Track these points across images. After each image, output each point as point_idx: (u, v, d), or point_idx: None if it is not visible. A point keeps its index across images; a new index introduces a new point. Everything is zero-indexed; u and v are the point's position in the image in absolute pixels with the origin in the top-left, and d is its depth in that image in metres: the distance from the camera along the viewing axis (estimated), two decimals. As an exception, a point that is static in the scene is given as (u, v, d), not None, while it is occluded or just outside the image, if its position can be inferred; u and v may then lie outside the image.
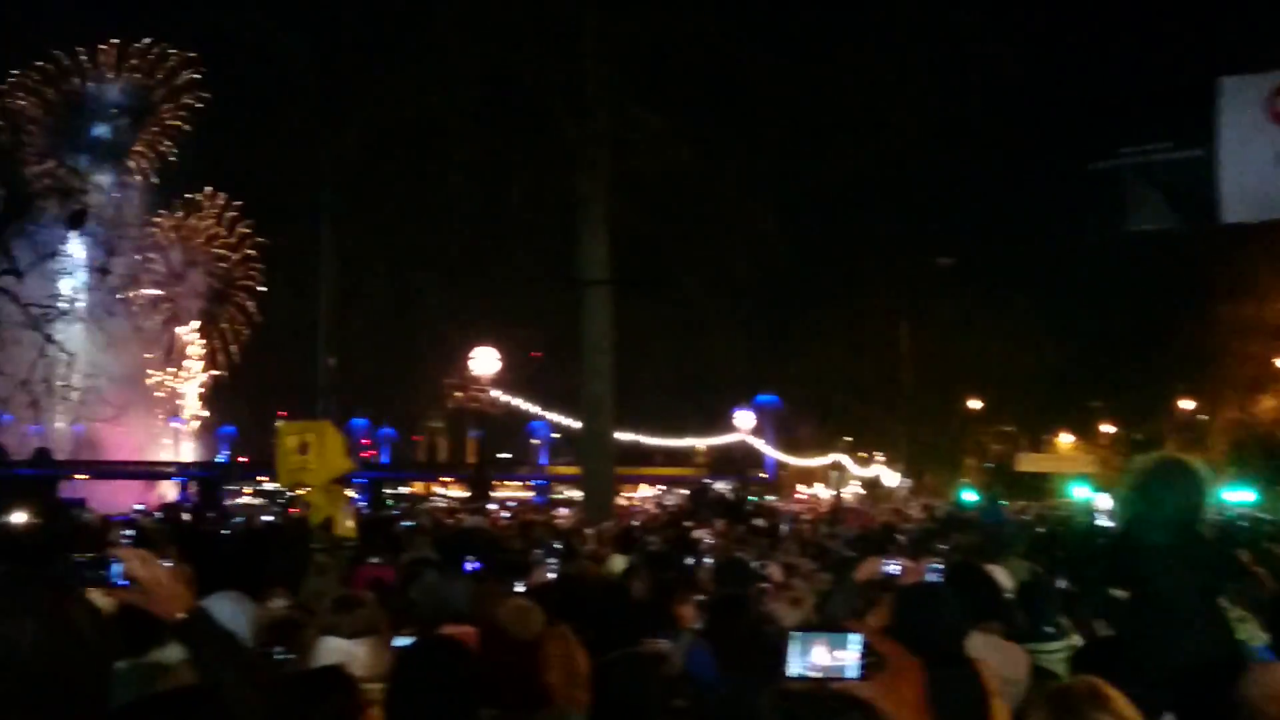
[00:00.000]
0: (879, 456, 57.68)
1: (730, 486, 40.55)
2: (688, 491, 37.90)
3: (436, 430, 75.83)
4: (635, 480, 57.36)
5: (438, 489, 60.38)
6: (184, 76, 52.60)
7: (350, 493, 16.86)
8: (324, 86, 19.73)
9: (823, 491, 53.43)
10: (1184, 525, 4.94)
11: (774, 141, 20.78)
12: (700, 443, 60.13)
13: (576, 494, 43.12)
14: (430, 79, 19.07)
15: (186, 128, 51.98)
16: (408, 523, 17.44)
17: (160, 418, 57.22)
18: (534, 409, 55.83)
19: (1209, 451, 39.30)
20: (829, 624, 2.48)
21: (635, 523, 21.72)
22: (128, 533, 12.54)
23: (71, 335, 20.92)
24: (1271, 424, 42.29)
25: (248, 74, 24.70)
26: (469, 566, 7.10)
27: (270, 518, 20.30)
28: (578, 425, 28.90)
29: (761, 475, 59.37)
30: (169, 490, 49.50)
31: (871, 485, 56.49)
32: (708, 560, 9.87)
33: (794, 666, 2.06)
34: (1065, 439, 54.14)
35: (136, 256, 42.83)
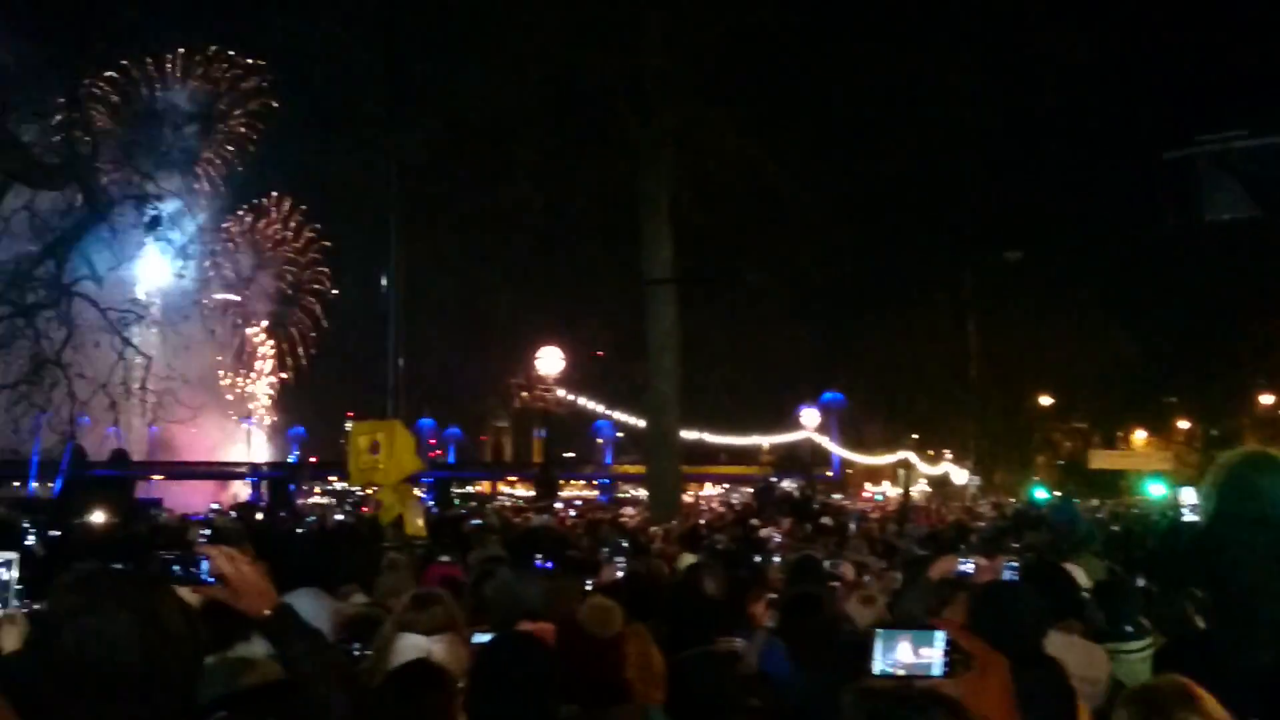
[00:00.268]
0: (947, 454, 56.97)
1: (796, 485, 40.33)
2: (753, 490, 37.76)
3: (502, 430, 76.41)
4: (700, 479, 57.30)
5: (503, 488, 60.82)
6: (250, 83, 53.58)
7: (418, 492, 17.03)
8: (391, 90, 19.92)
9: (890, 490, 52.95)
10: (1272, 521, 4.81)
11: (839, 136, 20.64)
12: (765, 441, 59.85)
13: (641, 493, 43.28)
14: (496, 80, 19.19)
15: (253, 136, 52.88)
16: (476, 522, 17.60)
17: (232, 419, 58.26)
18: (599, 408, 55.99)
19: (1290, 447, 38.20)
20: (912, 621, 2.45)
21: (701, 521, 21.71)
22: (204, 532, 12.78)
23: (147, 339, 21.37)
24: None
25: (314, 79, 25.02)
26: (538, 565, 7.13)
27: (342, 517, 20.60)
28: (642, 424, 28.95)
29: (827, 474, 58.98)
30: (241, 490, 50.42)
31: (940, 483, 55.81)
32: (776, 559, 9.82)
33: (878, 664, 2.04)
34: (1139, 435, 53.05)
35: (207, 261, 43.68)
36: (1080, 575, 6.34)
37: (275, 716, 2.50)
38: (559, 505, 29.07)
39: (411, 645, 3.51)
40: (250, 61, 51.48)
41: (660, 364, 20.98)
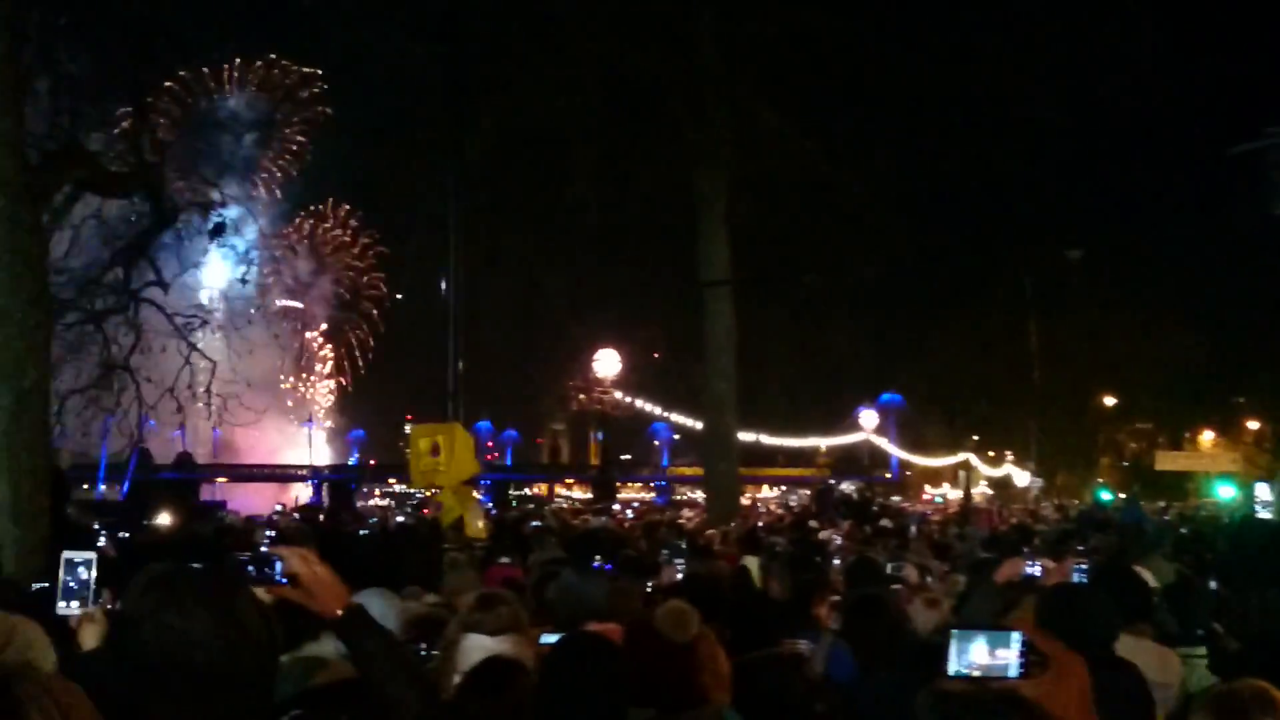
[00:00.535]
0: (1009, 456, 56.25)
1: (855, 487, 40.06)
2: (811, 492, 37.57)
3: (559, 432, 76.78)
4: (758, 481, 57.11)
5: (560, 490, 61.07)
6: (306, 92, 54.48)
7: (477, 495, 17.12)
8: (447, 95, 20.09)
9: (950, 492, 52.39)
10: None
11: (897, 135, 20.48)
12: (823, 443, 59.52)
13: (698, 495, 43.23)
14: (552, 83, 19.27)
15: (308, 144, 53.69)
16: (535, 524, 17.68)
17: (293, 422, 59.11)
18: (655, 410, 56.04)
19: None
20: (986, 623, 2.42)
21: (759, 523, 21.63)
22: (269, 533, 12.95)
23: (211, 343, 21.71)
24: None
25: (372, 85, 25.33)
26: (597, 567, 7.15)
27: (403, 519, 20.79)
28: (699, 426, 28.91)
29: (886, 475, 58.54)
30: (301, 492, 51.13)
31: (1001, 485, 55.13)
32: (835, 561, 9.76)
33: (953, 665, 2.02)
34: (1206, 436, 51.97)
35: (268, 268, 44.40)
36: (1149, 578, 6.24)
37: (349, 715, 2.53)
38: (616, 507, 29.13)
39: (477, 645, 3.53)
40: (306, 70, 52.30)
41: (718, 365, 20.94)
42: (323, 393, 64.34)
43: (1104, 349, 47.54)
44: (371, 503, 47.47)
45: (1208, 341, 45.89)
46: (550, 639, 3.43)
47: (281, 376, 54.89)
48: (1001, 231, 43.52)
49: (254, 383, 26.97)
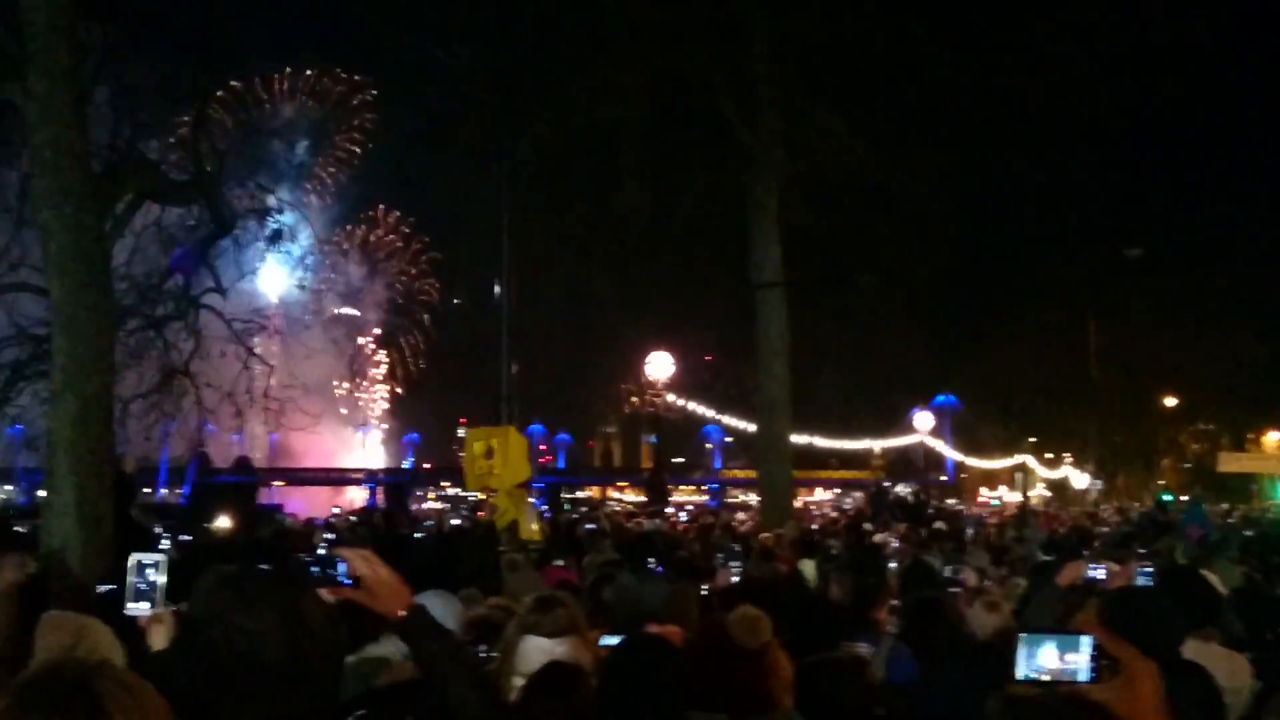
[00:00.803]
0: (1067, 458, 55.46)
1: (910, 489, 39.71)
2: (865, 494, 37.29)
3: (611, 436, 76.90)
4: (811, 484, 56.77)
5: (613, 493, 61.14)
6: (356, 99, 55.10)
7: (530, 497, 17.20)
8: (498, 99, 20.20)
9: (1007, 494, 51.77)
10: None
11: (950, 133, 20.27)
12: (877, 445, 59.05)
13: (750, 498, 43.07)
14: (603, 86, 19.29)
15: (358, 150, 54.30)
16: (589, 526, 17.70)
17: (348, 426, 59.68)
18: (708, 413, 55.94)
19: None
20: (1052, 626, 2.38)
21: (814, 526, 21.50)
22: (328, 536, 13.09)
23: (268, 348, 21.98)
24: None
25: (422, 90, 25.50)
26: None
27: (458, 521, 20.90)
28: (752, 428, 28.81)
29: (941, 478, 57.92)
30: (356, 495, 51.61)
31: (1059, 488, 54.37)
32: (891, 565, 9.69)
33: (1021, 669, 1.99)
34: (1271, 437, 50.92)
35: (322, 274, 44.91)
36: (1215, 582, 6.12)
37: (412, 715, 2.55)
38: (669, 510, 29.10)
39: (535, 647, 3.54)
40: (356, 78, 52.89)
41: (770, 368, 20.84)
42: (377, 397, 64.94)
43: (1164, 348, 46.77)
44: (425, 506, 47.82)
45: (1270, 340, 44.99)
46: (610, 641, 3.43)
47: (335, 382, 55.50)
48: (1060, 230, 43.02)
49: (310, 387, 27.28)
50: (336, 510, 29.30)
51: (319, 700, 2.10)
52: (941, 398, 57.39)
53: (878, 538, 16.22)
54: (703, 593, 6.46)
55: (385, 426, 65.55)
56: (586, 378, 55.60)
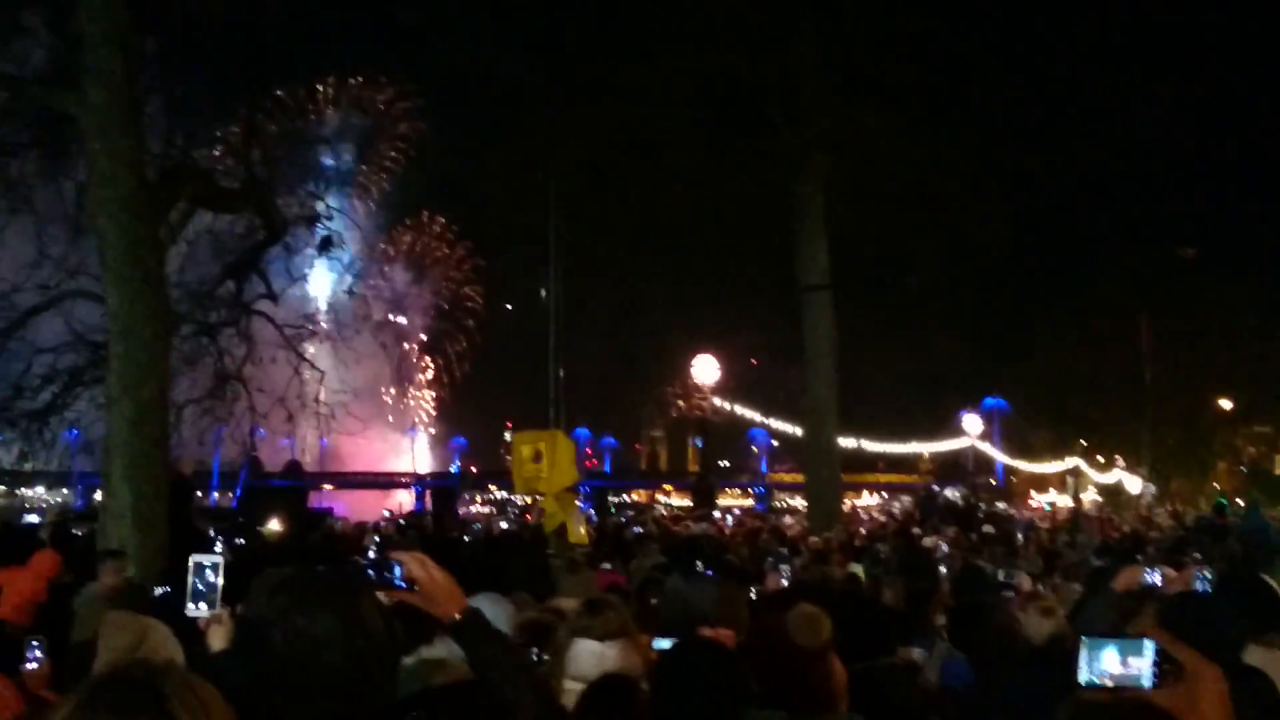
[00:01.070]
0: (1119, 461, 54.65)
1: (959, 493, 39.35)
2: (914, 498, 37.00)
3: (657, 439, 76.83)
4: (858, 487, 56.39)
5: (660, 497, 61.11)
6: (400, 107, 55.52)
7: (578, 501, 17.22)
8: (545, 104, 20.28)
9: (1058, 498, 51.11)
10: None
11: (998, 133, 20.08)
12: (925, 448, 58.54)
13: (796, 501, 42.89)
14: (650, 89, 19.30)
15: (402, 159, 54.69)
16: (637, 530, 17.72)
17: (396, 429, 60.09)
18: (754, 416, 55.76)
19: None
20: (1115, 630, 2.36)
21: (862, 530, 21.37)
22: (376, 539, 13.19)
23: (320, 353, 22.16)
24: None
25: (468, 96, 25.69)
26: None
27: (507, 525, 21.01)
28: (798, 432, 28.68)
29: (990, 481, 57.30)
30: (404, 499, 51.99)
31: (1112, 492, 53.58)
32: (942, 569, 9.61)
33: (1083, 673, 1.97)
34: (1332, 439, 49.92)
35: (369, 280, 45.33)
36: (1277, 587, 6.01)
37: (466, 716, 2.56)
38: (716, 514, 29.03)
39: (586, 651, 3.54)
40: (402, 87, 53.29)
41: (818, 371, 20.75)
42: (424, 401, 65.38)
43: (1219, 349, 45.94)
44: (473, 509, 48.06)
45: (1330, 341, 44.10)
46: (663, 644, 3.42)
47: (383, 386, 55.93)
48: (1112, 229, 42.41)
49: (360, 392, 27.52)
50: (386, 513, 29.53)
51: (376, 701, 2.12)
52: (991, 400, 56.78)
53: (927, 542, 16.08)
54: (751, 596, 6.44)
55: (432, 431, 65.97)
56: (633, 381, 55.62)
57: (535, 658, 3.97)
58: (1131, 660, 1.96)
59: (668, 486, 62.00)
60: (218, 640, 3.19)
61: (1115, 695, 1.94)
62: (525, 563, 9.95)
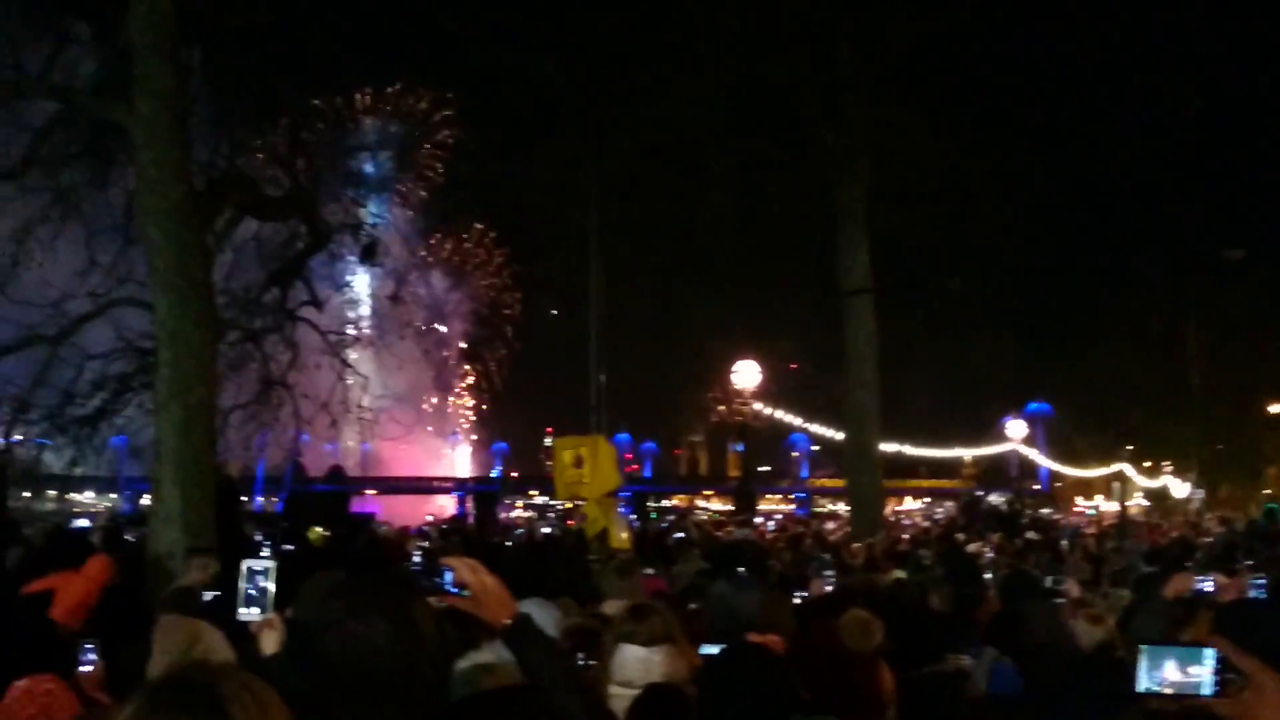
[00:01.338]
0: (1166, 466, 53.91)
1: (1003, 499, 38.98)
2: (957, 504, 36.69)
3: (697, 444, 76.77)
4: (900, 493, 56.04)
5: (700, 502, 61.03)
6: (440, 115, 55.83)
7: (619, 506, 17.21)
8: (584, 110, 20.34)
9: (1103, 504, 50.50)
10: None
11: (1041, 136, 19.88)
12: (968, 453, 58.08)
13: (838, 507, 42.64)
14: (689, 94, 19.29)
15: (440, 166, 54.97)
16: (678, 535, 17.69)
17: (436, 435, 60.44)
18: (795, 421, 55.57)
19: None
20: (1172, 639, 2.32)
21: (905, 536, 21.22)
22: (421, 544, 13.25)
23: (362, 359, 22.34)
24: None
25: (507, 103, 25.78)
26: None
27: (549, 530, 21.04)
28: (839, 437, 28.52)
29: (1034, 487, 56.75)
30: (446, 504, 52.26)
31: (1159, 497, 52.88)
32: (987, 575, 9.53)
33: (1143, 682, 1.94)
34: (1385, 444, 48.92)
35: (410, 286, 45.58)
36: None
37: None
38: (758, 519, 28.94)
39: (632, 656, 3.55)
40: (441, 95, 53.58)
41: (859, 375, 20.61)
42: (465, 407, 65.71)
43: (1268, 352, 45.21)
44: (514, 514, 48.22)
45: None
46: (710, 650, 3.42)
47: (424, 394, 56.25)
48: (1157, 231, 41.90)
49: (402, 397, 27.70)
50: (429, 519, 29.70)
51: (428, 704, 2.14)
52: (1034, 405, 56.25)
53: (971, 548, 15.96)
54: (795, 602, 6.41)
55: (474, 436, 66.30)
56: (673, 386, 55.63)
57: (582, 663, 3.98)
58: (1191, 669, 1.93)
59: (708, 491, 61.94)
60: (269, 644, 3.22)
61: (1178, 704, 1.92)
62: (568, 568, 9.96)
